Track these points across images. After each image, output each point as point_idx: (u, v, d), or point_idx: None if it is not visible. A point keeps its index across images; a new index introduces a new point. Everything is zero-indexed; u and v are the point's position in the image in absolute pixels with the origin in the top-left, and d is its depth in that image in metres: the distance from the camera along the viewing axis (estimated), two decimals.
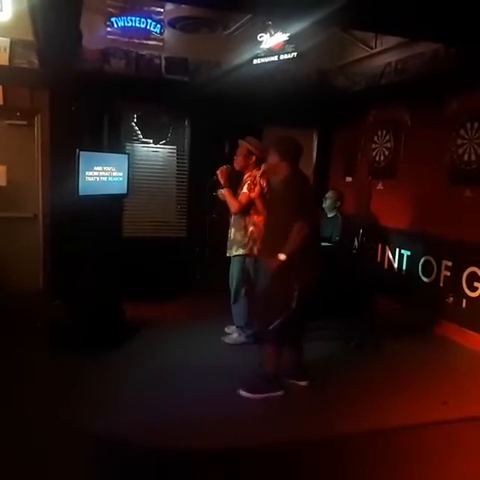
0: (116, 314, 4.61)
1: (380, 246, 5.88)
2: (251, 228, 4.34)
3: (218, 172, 4.39)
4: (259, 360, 3.71)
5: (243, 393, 3.54)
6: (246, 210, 4.34)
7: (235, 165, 4.44)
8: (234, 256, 4.44)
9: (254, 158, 4.35)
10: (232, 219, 4.49)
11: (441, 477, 2.75)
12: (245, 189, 4.31)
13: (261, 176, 4.25)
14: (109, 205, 5.17)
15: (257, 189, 4.26)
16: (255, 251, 4.34)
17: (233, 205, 4.34)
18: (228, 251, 4.49)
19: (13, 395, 3.35)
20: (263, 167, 4.22)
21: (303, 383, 3.75)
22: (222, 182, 4.37)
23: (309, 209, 3.47)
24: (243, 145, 4.40)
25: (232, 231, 4.46)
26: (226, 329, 4.71)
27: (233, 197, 4.35)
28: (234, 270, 4.47)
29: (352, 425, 3.21)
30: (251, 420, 3.23)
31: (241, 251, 4.38)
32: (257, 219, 4.34)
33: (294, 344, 3.75)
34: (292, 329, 3.53)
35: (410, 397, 3.59)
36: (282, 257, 3.34)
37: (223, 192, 4.42)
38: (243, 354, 4.27)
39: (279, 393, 3.56)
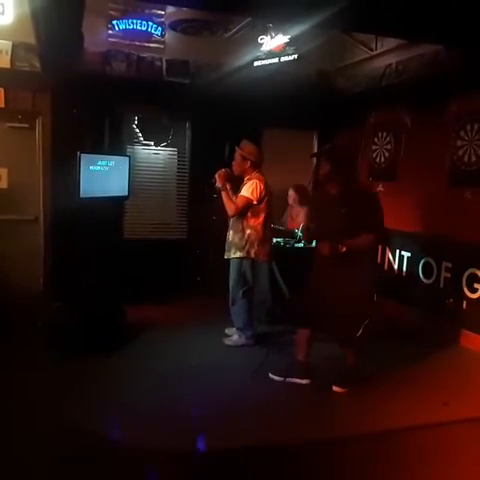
0: (117, 316, 4.62)
1: (380, 247, 5.89)
2: (248, 231, 4.37)
3: (216, 175, 4.42)
4: (261, 361, 3.75)
5: (336, 389, 3.71)
6: (243, 213, 4.36)
7: (233, 170, 4.49)
8: (232, 258, 4.46)
9: (248, 163, 4.40)
10: (231, 221, 4.51)
11: (442, 478, 2.75)
12: (243, 192, 4.34)
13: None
14: (110, 207, 5.18)
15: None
16: (252, 254, 4.37)
17: (230, 208, 4.36)
18: (226, 253, 4.51)
19: (12, 396, 3.36)
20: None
21: (305, 381, 3.79)
22: (220, 185, 4.39)
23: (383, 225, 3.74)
24: (237, 151, 4.45)
25: (230, 233, 4.49)
26: (226, 331, 4.73)
27: (230, 200, 4.37)
28: (232, 272, 4.49)
29: (353, 426, 3.22)
30: (251, 421, 3.24)
31: (238, 254, 4.40)
32: (254, 222, 4.37)
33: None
34: None
35: (411, 398, 3.60)
36: (343, 249, 3.52)
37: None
38: (243, 356, 4.29)
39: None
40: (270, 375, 3.86)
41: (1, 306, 4.62)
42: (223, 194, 4.38)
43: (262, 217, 4.40)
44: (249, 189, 4.33)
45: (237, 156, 4.46)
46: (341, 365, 3.83)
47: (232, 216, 4.40)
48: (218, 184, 4.39)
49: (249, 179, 4.40)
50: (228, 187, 4.40)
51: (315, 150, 6.61)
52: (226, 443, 2.96)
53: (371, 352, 4.43)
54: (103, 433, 2.98)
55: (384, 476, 2.76)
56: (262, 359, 3.99)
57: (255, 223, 4.38)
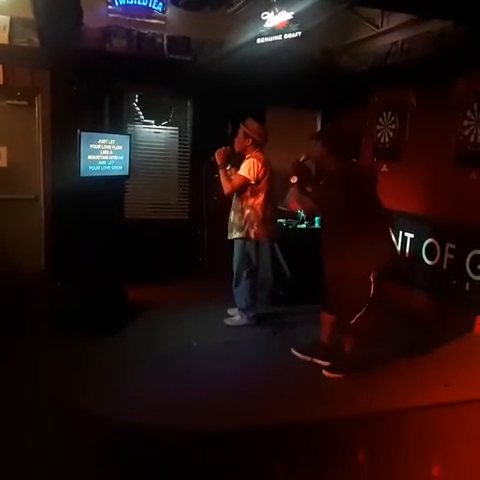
0: (118, 296, 4.62)
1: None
2: (248, 211, 4.33)
3: (216, 153, 4.37)
4: (261, 341, 3.75)
5: (326, 373, 3.67)
6: (239, 192, 4.34)
7: (235, 147, 4.44)
8: (235, 239, 4.44)
9: (250, 141, 4.35)
10: (233, 202, 4.47)
11: (443, 458, 2.76)
12: (240, 171, 4.30)
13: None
14: (111, 187, 5.13)
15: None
16: (252, 234, 4.34)
17: (225, 186, 4.34)
18: (229, 234, 4.49)
19: (14, 377, 3.35)
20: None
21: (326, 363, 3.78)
22: (219, 163, 4.35)
23: None
24: (241, 128, 4.39)
25: (232, 214, 4.46)
26: (229, 311, 4.72)
27: (227, 178, 4.34)
28: (236, 253, 4.47)
29: (353, 407, 3.22)
30: (253, 400, 3.25)
31: (238, 234, 4.38)
32: (254, 202, 4.32)
33: None
34: None
35: (413, 379, 3.60)
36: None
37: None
38: (245, 336, 4.29)
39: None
40: (293, 351, 3.89)
41: (2, 286, 4.61)
42: (221, 172, 4.37)
43: (261, 197, 4.34)
44: (246, 168, 4.29)
45: (240, 132, 4.41)
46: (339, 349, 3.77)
47: (227, 194, 4.38)
48: (217, 161, 4.35)
49: (248, 158, 4.35)
50: (228, 167, 4.39)
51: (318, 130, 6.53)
52: (226, 422, 2.96)
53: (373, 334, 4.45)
54: (105, 413, 2.99)
55: (384, 456, 2.76)
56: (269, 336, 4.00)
57: (254, 203, 4.34)
